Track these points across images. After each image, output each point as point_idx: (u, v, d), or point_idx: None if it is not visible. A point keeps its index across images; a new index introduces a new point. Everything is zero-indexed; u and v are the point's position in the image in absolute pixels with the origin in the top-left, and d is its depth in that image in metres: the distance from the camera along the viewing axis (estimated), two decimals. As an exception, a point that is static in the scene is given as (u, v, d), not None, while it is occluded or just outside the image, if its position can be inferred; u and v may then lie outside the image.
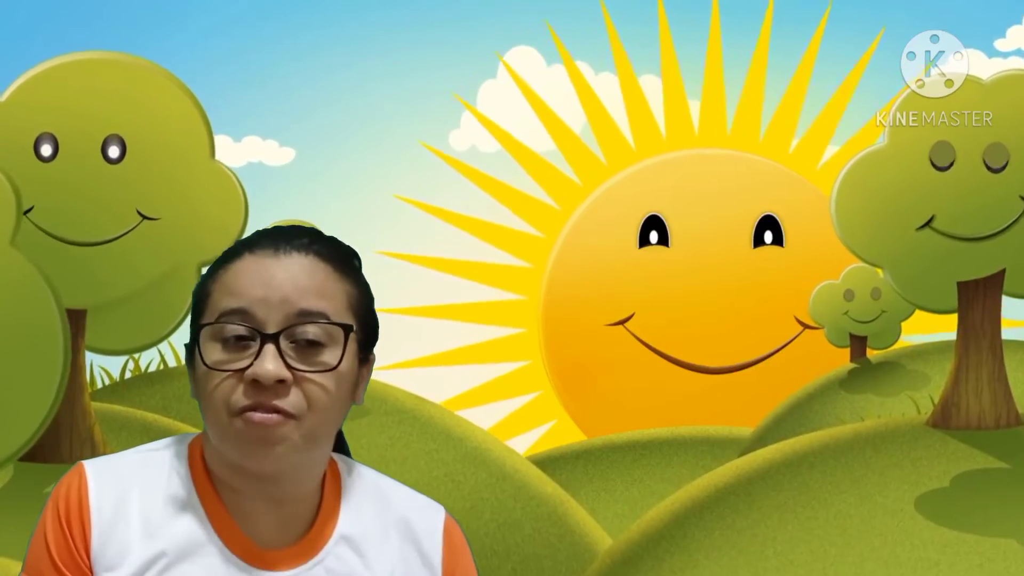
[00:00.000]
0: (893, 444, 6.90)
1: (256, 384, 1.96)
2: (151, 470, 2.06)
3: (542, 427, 12.27)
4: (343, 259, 2.08)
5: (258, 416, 1.96)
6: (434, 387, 10.46)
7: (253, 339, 1.98)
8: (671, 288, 12.14)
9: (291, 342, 1.99)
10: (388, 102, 12.89)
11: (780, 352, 12.17)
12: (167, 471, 2.06)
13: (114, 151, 7.00)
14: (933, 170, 6.56)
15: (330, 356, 2.00)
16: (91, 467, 2.05)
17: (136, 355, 9.15)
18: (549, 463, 10.50)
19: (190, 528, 2.03)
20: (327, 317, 2.00)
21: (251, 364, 1.97)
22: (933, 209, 6.66)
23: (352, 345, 2.03)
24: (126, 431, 7.44)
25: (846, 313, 10.91)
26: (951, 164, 6.58)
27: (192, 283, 6.75)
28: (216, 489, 2.06)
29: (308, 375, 1.98)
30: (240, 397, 1.97)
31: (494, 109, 12.63)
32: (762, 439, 9.56)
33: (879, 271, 7.44)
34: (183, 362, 9.64)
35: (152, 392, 8.79)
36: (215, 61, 12.70)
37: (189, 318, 2.08)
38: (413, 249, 12.56)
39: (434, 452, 8.14)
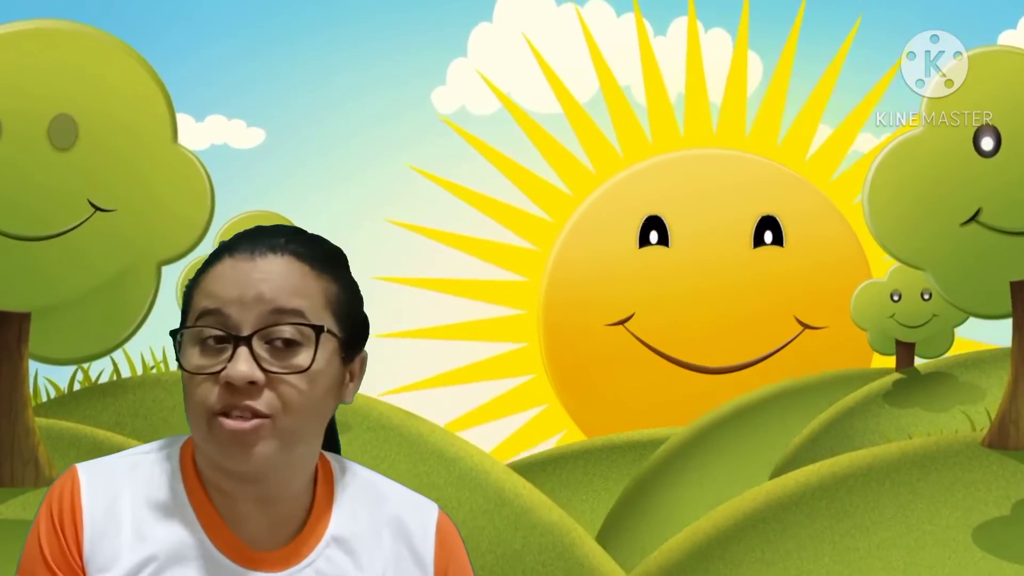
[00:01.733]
0: (944, 466, 6.19)
1: (229, 386, 1.87)
2: (143, 473, 1.96)
3: (551, 440, 11.75)
4: (323, 257, 1.96)
5: (230, 423, 1.86)
6: (438, 407, 10.11)
7: (228, 341, 1.88)
8: (671, 288, 11.66)
9: (265, 343, 1.89)
10: (367, 73, 11.69)
11: (780, 352, 11.60)
12: (158, 474, 1.96)
13: (63, 134, 5.81)
14: (978, 157, 5.62)
15: (304, 357, 1.90)
16: (84, 469, 1.95)
17: (86, 365, 7.87)
18: (549, 463, 10.20)
19: (180, 531, 1.92)
20: (302, 315, 1.90)
21: (225, 367, 1.87)
22: (979, 201, 5.72)
23: (328, 345, 1.92)
24: (75, 450, 6.29)
25: (892, 316, 9.29)
26: (997, 149, 5.62)
27: (151, 282, 6.02)
28: (207, 491, 1.95)
29: (281, 376, 1.88)
30: (215, 400, 1.87)
31: (489, 62, 11.94)
32: (795, 460, 8.11)
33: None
34: (139, 372, 9.10)
35: (104, 406, 7.44)
36: (175, 32, 11.19)
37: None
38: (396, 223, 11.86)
39: (424, 475, 7.04)
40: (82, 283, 5.93)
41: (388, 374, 10.94)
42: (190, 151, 6.09)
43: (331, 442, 2.09)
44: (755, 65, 12.00)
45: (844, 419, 8.15)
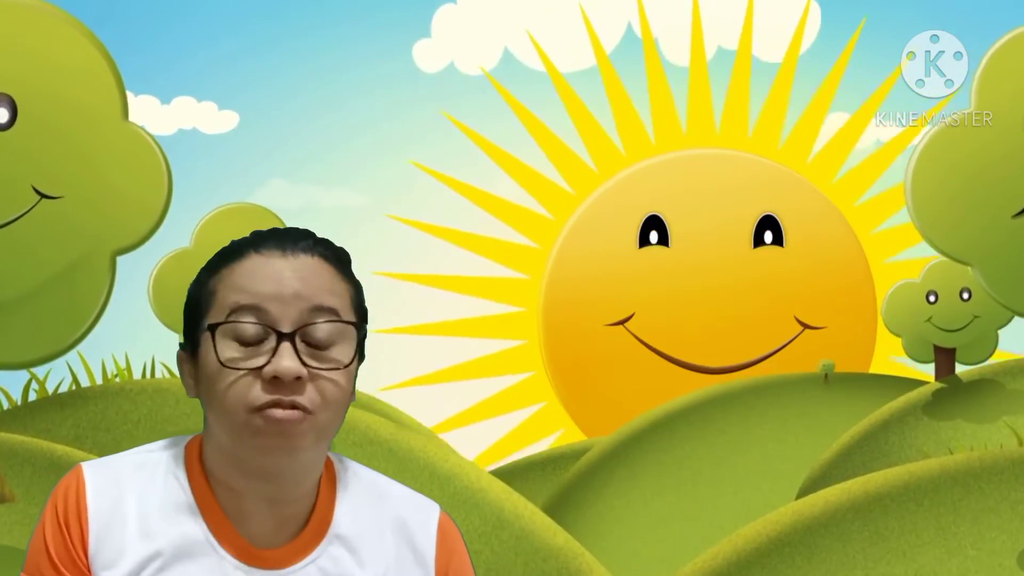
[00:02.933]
0: (989, 484, 5.66)
1: (275, 381, 1.83)
2: (148, 471, 1.92)
3: (549, 438, 11.40)
4: (343, 260, 1.95)
5: (280, 413, 1.83)
6: (436, 404, 9.94)
7: (267, 337, 1.85)
8: (671, 288, 11.29)
9: (304, 340, 1.86)
10: (345, 45, 10.73)
11: (780, 352, 11.14)
12: (164, 472, 1.92)
13: (1, 114, 4.99)
14: None
15: (341, 353, 1.89)
16: (89, 468, 1.91)
17: (41, 372, 6.91)
18: (549, 463, 9.90)
19: (185, 528, 1.88)
20: (338, 314, 1.89)
21: (268, 361, 1.84)
22: None
23: (356, 343, 1.91)
24: (30, 466, 5.47)
25: (929, 320, 8.17)
26: None
27: (106, 274, 5.29)
28: (213, 490, 1.91)
29: (322, 372, 1.86)
30: (259, 394, 1.83)
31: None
32: (825, 476, 7.16)
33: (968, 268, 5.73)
34: (99, 382, 8.23)
35: (62, 418, 6.46)
36: (137, 8, 10.02)
37: (183, 320, 1.92)
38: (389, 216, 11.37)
39: (418, 489, 5.92)
40: (29, 278, 5.18)
41: (387, 370, 10.61)
42: (142, 128, 5.30)
43: None
44: (759, 65, 11.61)
45: (878, 432, 7.14)
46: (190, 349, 1.91)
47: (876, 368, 10.72)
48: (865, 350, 10.28)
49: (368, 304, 1.98)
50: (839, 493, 5.66)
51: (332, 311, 1.87)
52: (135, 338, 6.77)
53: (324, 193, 10.55)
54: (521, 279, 11.58)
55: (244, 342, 1.84)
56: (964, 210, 5.54)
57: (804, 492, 6.68)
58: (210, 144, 9.83)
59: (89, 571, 1.86)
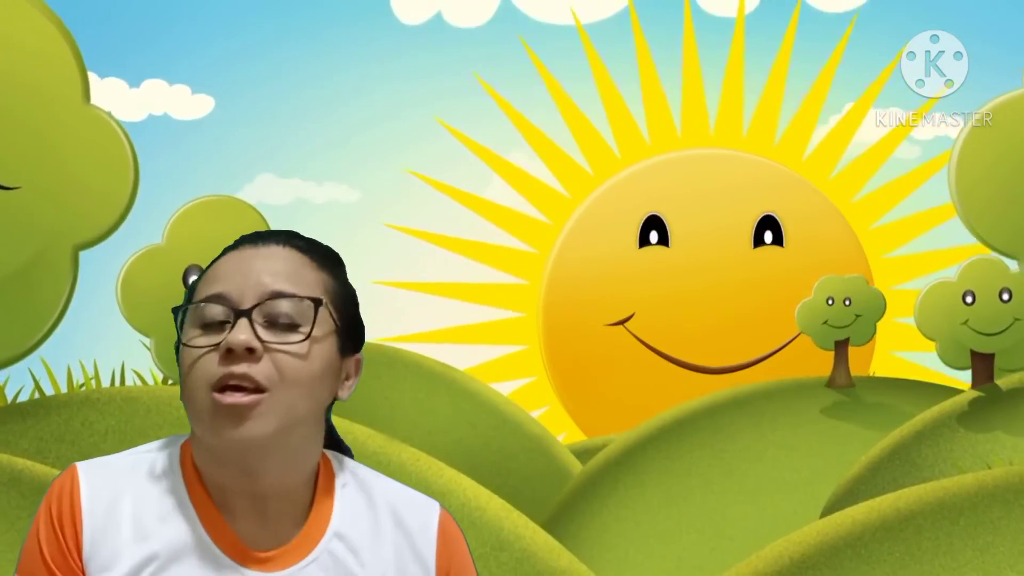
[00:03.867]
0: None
1: (229, 354, 1.76)
2: (143, 472, 1.83)
3: (535, 412, 10.82)
4: (322, 253, 1.88)
5: (228, 398, 1.75)
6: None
7: (229, 319, 1.78)
8: (671, 288, 11.07)
9: (265, 320, 1.79)
10: (330, 23, 9.92)
11: (780, 352, 10.98)
12: (159, 473, 1.83)
13: None
14: None
15: (304, 330, 1.80)
16: (84, 469, 1.83)
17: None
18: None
19: (181, 530, 1.80)
20: (300, 296, 1.80)
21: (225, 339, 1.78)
22: None
23: (325, 326, 1.81)
24: None
25: (965, 323, 7.26)
26: None
27: (67, 271, 4.78)
28: (207, 490, 1.82)
29: (279, 346, 1.78)
30: (215, 369, 1.76)
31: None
32: (852, 493, 6.41)
33: (1015, 263, 5.42)
34: (64, 390, 7.47)
35: (23, 430, 5.70)
36: None
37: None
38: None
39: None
40: (-18, 275, 4.42)
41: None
42: (106, 113, 4.68)
43: (335, 441, 1.92)
44: (752, 64, 11.39)
45: (910, 445, 6.36)
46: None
47: (876, 365, 10.55)
48: (865, 349, 9.71)
49: (366, 313, 1.91)
50: (867, 511, 4.98)
51: (293, 292, 1.80)
52: (103, 343, 6.01)
53: (315, 189, 9.85)
54: (520, 284, 11.40)
55: (209, 327, 1.79)
56: (1011, 201, 5.31)
57: (830, 510, 5.95)
58: (183, 131, 8.86)
59: (83, 573, 1.79)
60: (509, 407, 8.76)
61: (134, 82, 8.61)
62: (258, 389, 1.76)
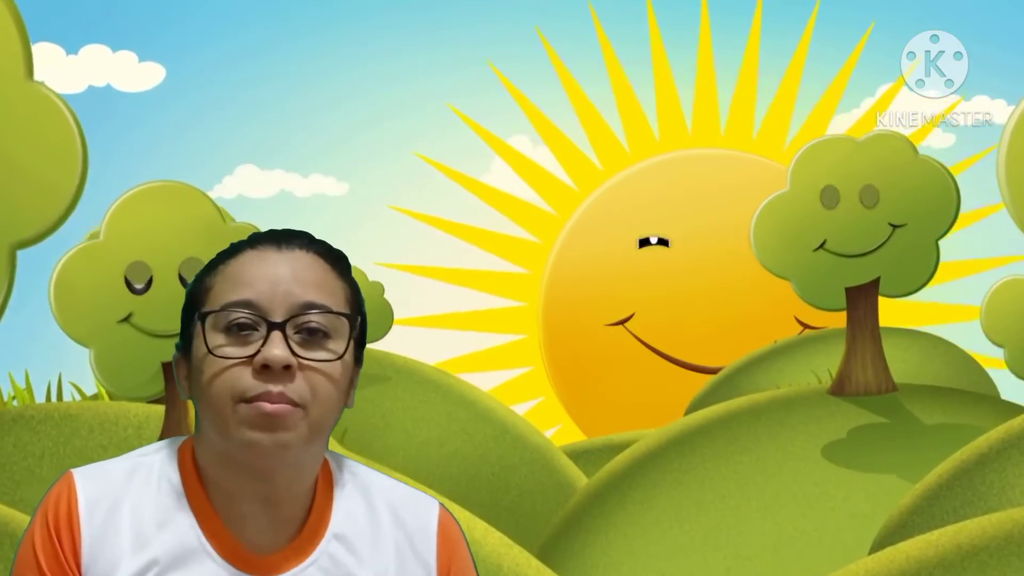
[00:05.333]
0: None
1: (265, 370, 1.65)
2: (141, 477, 1.72)
3: (546, 433, 10.41)
4: (340, 260, 1.78)
5: (269, 407, 1.64)
6: None
7: (258, 328, 1.68)
8: (671, 288, 10.82)
9: (296, 331, 1.68)
10: None
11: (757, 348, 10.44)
12: (157, 477, 1.72)
13: None
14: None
15: (335, 345, 1.70)
16: (80, 475, 1.72)
17: None
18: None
19: (181, 535, 1.70)
20: (330, 308, 1.71)
21: (259, 351, 1.66)
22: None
23: (349, 340, 1.72)
24: None
25: None
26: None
27: (3, 273, 4.03)
28: (207, 493, 1.72)
29: (313, 363, 1.68)
30: (249, 384, 1.65)
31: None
32: (905, 525, 5.14)
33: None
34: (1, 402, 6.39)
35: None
36: None
37: (180, 321, 1.74)
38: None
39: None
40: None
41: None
42: (50, 90, 3.90)
43: None
44: (766, 67, 11.15)
45: (973, 471, 5.32)
46: (184, 348, 1.73)
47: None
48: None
49: (366, 297, 1.77)
50: (924, 546, 4.07)
51: (325, 306, 1.70)
52: (37, 353, 5.00)
53: (300, 181, 8.79)
54: (522, 274, 11.10)
55: (235, 333, 1.67)
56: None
57: (880, 544, 4.95)
58: (129, 105, 7.49)
59: None
60: (509, 416, 8.20)
61: (71, 48, 7.16)
62: (292, 403, 1.67)
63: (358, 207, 10.19)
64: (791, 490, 6.00)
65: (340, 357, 1.68)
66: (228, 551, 1.70)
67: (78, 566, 1.68)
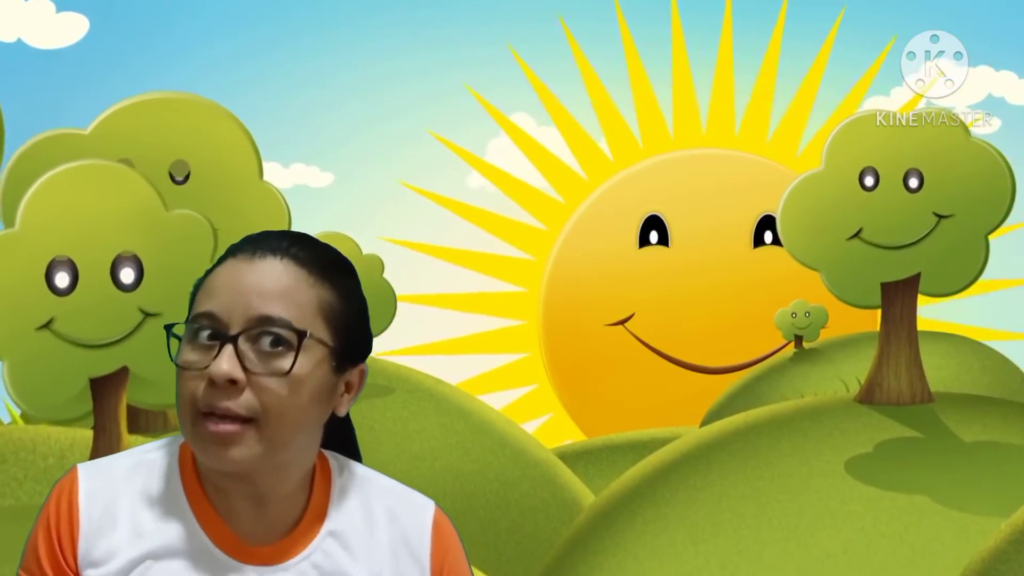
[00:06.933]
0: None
1: (213, 384, 1.59)
2: (142, 471, 1.68)
3: (539, 419, 10.69)
4: (323, 264, 1.64)
5: (211, 427, 1.59)
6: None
7: (218, 339, 1.61)
8: (671, 288, 10.64)
9: (253, 344, 1.59)
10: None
11: (780, 352, 10.11)
12: (157, 472, 1.68)
13: None
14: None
15: (287, 361, 1.60)
16: (84, 470, 1.67)
17: None
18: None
19: (177, 526, 1.66)
20: (288, 323, 1.60)
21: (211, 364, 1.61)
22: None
23: (315, 352, 1.61)
24: None
25: None
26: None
27: None
28: (204, 488, 1.67)
29: (262, 379, 1.58)
30: (201, 395, 1.59)
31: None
32: (988, 573, 4.48)
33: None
34: None
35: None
36: None
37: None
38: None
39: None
40: None
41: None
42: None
43: (348, 446, 1.74)
44: (740, 63, 10.99)
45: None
46: None
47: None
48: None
49: (359, 293, 1.65)
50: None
51: (282, 319, 1.59)
52: None
53: (281, 171, 8.01)
54: (519, 292, 10.91)
55: (199, 345, 1.60)
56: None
57: None
58: (47, 63, 6.29)
59: (77, 573, 1.62)
60: (509, 428, 7.68)
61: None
62: (241, 419, 1.57)
63: (344, 198, 9.78)
64: (816, 509, 5.36)
65: (286, 373, 1.57)
66: (224, 542, 1.64)
67: (74, 559, 1.63)
